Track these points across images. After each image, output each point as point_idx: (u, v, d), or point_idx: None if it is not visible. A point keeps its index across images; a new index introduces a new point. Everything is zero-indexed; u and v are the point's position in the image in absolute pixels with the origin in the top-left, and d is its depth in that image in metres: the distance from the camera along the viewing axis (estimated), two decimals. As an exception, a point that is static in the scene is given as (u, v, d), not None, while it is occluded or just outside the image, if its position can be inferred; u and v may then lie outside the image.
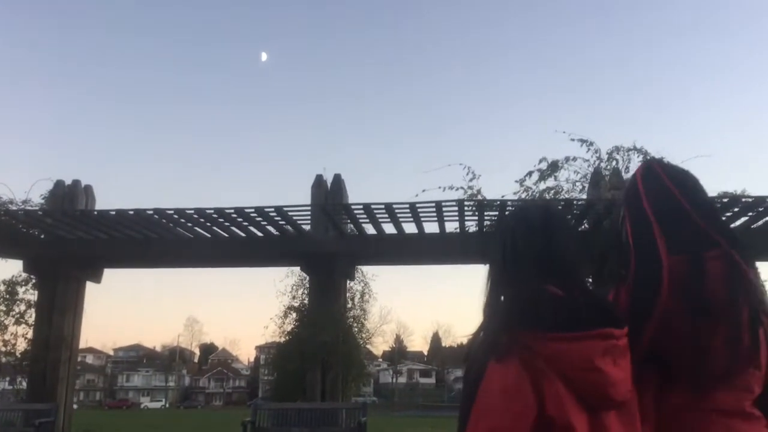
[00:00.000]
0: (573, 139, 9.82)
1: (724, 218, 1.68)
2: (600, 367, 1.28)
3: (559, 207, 8.81)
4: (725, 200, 8.61)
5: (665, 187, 1.67)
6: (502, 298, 1.44)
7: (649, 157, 9.41)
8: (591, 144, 9.79)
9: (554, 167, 9.66)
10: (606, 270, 8.38)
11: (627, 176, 9.57)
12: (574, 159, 9.73)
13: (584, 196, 9.52)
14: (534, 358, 1.27)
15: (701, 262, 1.53)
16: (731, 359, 1.48)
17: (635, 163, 9.61)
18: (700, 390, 1.48)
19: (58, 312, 10.74)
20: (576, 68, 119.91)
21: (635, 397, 1.38)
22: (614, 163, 9.73)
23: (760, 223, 9.25)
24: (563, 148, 11.42)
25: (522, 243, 1.48)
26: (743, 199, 8.59)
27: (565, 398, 1.26)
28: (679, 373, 1.49)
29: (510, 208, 8.85)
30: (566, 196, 9.57)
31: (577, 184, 9.75)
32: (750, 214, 8.92)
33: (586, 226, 9.42)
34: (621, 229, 1.74)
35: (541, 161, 9.68)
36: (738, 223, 9.17)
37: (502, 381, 1.26)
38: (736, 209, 8.75)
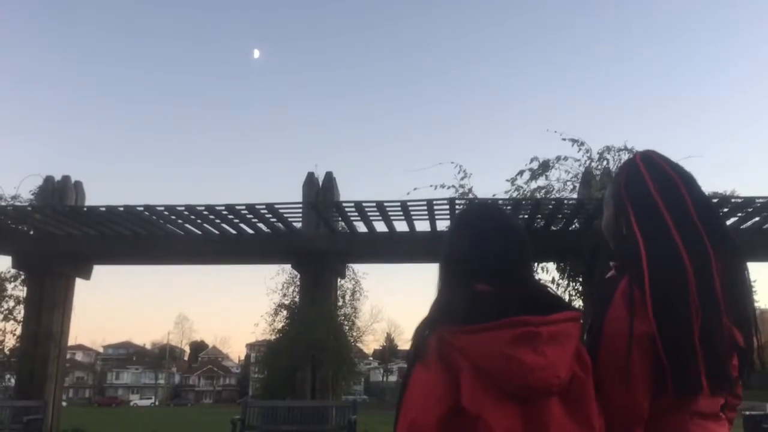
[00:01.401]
0: (564, 139, 9.88)
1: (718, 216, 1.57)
2: (510, 355, 1.27)
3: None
4: (715, 201, 8.66)
5: (670, 177, 1.62)
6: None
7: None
8: (582, 144, 9.85)
9: (545, 167, 9.70)
10: (597, 268, 8.42)
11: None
12: (566, 158, 9.78)
13: (575, 196, 9.55)
14: (450, 352, 1.32)
15: (710, 264, 1.49)
16: (734, 365, 1.48)
17: (626, 163, 9.65)
18: (698, 393, 1.45)
19: (47, 308, 10.69)
20: (568, 68, 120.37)
21: (589, 385, 1.35)
22: (605, 163, 9.79)
23: (749, 223, 9.31)
24: (555, 147, 11.49)
25: (449, 244, 1.54)
26: (732, 200, 8.64)
27: (477, 389, 1.27)
28: (685, 375, 1.44)
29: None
30: (557, 195, 9.61)
31: (568, 183, 9.80)
32: (739, 214, 8.98)
33: (577, 225, 9.46)
34: (616, 220, 1.67)
35: (532, 160, 9.72)
36: (727, 223, 9.23)
37: (421, 377, 1.33)
38: (725, 210, 8.80)
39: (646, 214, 1.58)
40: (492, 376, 1.28)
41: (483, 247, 1.47)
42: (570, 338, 1.34)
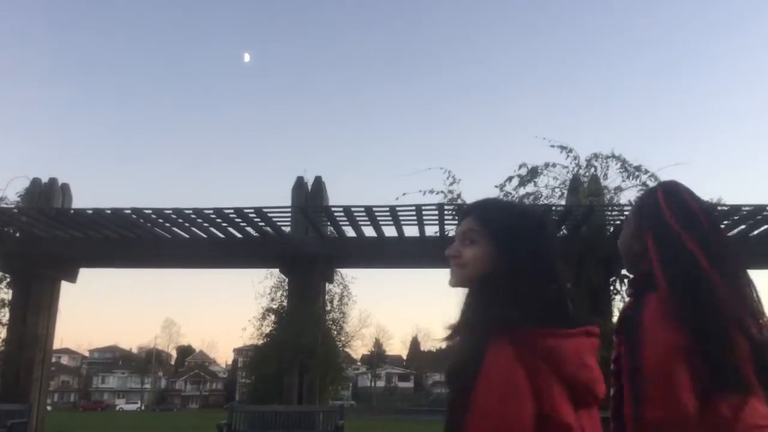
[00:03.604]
0: (553, 146, 9.93)
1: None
2: (589, 364, 1.30)
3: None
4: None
5: (686, 202, 1.77)
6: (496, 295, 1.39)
7: (627, 165, 9.53)
8: (570, 151, 9.90)
9: (534, 173, 9.75)
10: (583, 275, 8.46)
11: (605, 183, 9.68)
12: (554, 165, 9.83)
13: (563, 202, 9.60)
14: (533, 355, 1.25)
15: (736, 276, 1.65)
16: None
17: (613, 170, 9.73)
18: (737, 401, 1.52)
19: (33, 311, 10.60)
20: (556, 75, 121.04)
21: None
22: (593, 170, 9.84)
23: (735, 231, 9.38)
24: (543, 154, 11.54)
25: (534, 241, 1.45)
26: (719, 207, 8.71)
27: (559, 396, 1.25)
28: (726, 374, 1.52)
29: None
30: (545, 201, 9.65)
31: (556, 190, 9.84)
32: (725, 222, 9.05)
33: (565, 232, 9.50)
34: (636, 236, 1.79)
35: (521, 167, 9.77)
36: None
37: (501, 379, 1.22)
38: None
39: (665, 240, 1.72)
40: (570, 383, 1.27)
41: (555, 248, 1.47)
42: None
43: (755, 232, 9.44)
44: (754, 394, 1.54)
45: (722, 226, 1.84)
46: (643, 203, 1.85)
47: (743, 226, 9.26)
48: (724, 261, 1.64)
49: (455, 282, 1.45)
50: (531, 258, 1.40)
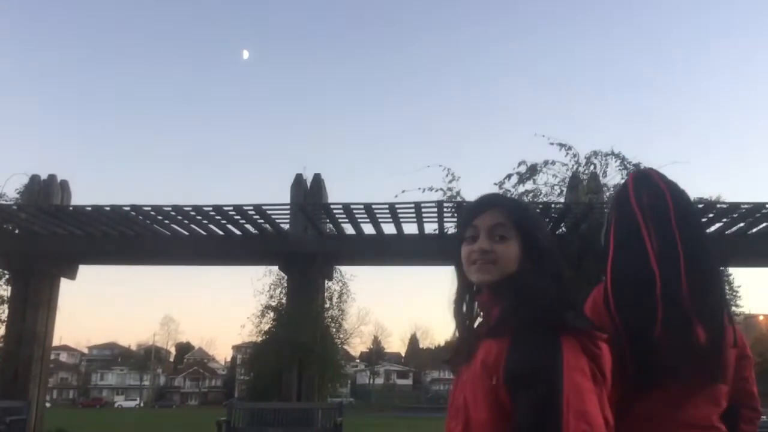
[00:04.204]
0: (552, 143, 9.92)
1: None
2: (611, 368, 1.31)
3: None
4: (700, 206, 8.74)
5: (658, 190, 1.71)
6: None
7: (627, 163, 9.54)
8: (569, 148, 9.90)
9: (533, 170, 9.75)
10: (582, 273, 8.45)
11: (605, 180, 9.68)
12: (553, 163, 9.83)
13: (562, 200, 9.60)
14: (595, 358, 1.27)
15: (679, 269, 1.58)
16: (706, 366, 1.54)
17: (612, 167, 9.73)
18: (672, 397, 1.52)
19: (32, 308, 10.60)
20: (556, 72, 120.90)
21: None
22: (592, 167, 9.85)
23: (734, 229, 9.39)
24: (542, 151, 11.52)
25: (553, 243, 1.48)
26: (718, 205, 8.72)
27: (606, 398, 1.27)
28: (657, 379, 1.52)
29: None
30: (544, 199, 9.65)
31: (556, 187, 9.84)
32: (725, 220, 9.06)
33: (564, 229, 9.50)
34: (606, 232, 1.76)
35: (520, 164, 9.76)
36: (712, 229, 9.31)
37: (581, 382, 1.22)
38: (710, 215, 8.88)
39: (624, 224, 1.68)
40: (606, 385, 1.29)
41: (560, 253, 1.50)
42: None
43: (754, 230, 9.45)
44: (702, 394, 1.54)
45: (695, 213, 1.77)
46: (616, 192, 1.84)
47: (742, 224, 9.27)
48: (685, 252, 1.59)
49: (485, 279, 1.42)
50: (553, 257, 1.43)
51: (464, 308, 1.51)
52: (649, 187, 1.71)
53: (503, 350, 1.28)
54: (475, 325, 1.49)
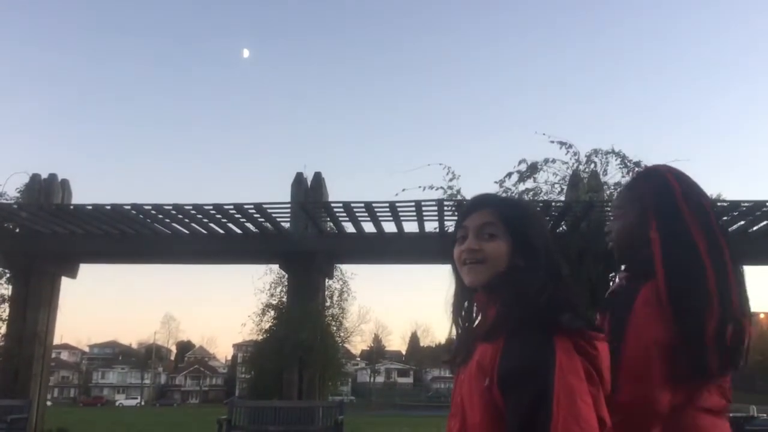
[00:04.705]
0: (552, 141, 9.92)
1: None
2: (608, 367, 1.32)
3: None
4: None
5: (695, 187, 1.76)
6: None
7: (627, 161, 9.53)
8: (570, 146, 9.90)
9: (533, 169, 9.75)
10: (582, 271, 8.46)
11: (605, 179, 9.68)
12: (553, 161, 9.83)
13: (563, 198, 9.60)
14: (591, 359, 1.27)
15: (727, 267, 1.63)
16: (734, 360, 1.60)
17: (613, 165, 9.73)
18: (694, 385, 1.58)
19: (33, 307, 10.60)
20: (557, 70, 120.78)
21: None
22: (592, 165, 9.84)
23: (735, 227, 9.39)
24: (543, 149, 11.52)
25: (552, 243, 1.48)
26: (719, 203, 8.73)
27: (602, 399, 1.27)
28: (706, 371, 1.56)
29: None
30: (545, 197, 9.65)
31: (556, 186, 9.84)
32: (725, 218, 9.05)
33: (564, 227, 9.50)
34: (640, 226, 1.73)
35: (520, 163, 9.76)
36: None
37: (578, 384, 1.22)
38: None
39: (670, 219, 1.68)
40: (604, 385, 1.29)
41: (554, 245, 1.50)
42: None
43: (755, 228, 9.45)
44: (717, 382, 1.61)
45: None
46: (647, 189, 1.77)
47: (743, 222, 9.27)
48: (723, 253, 1.63)
49: (476, 279, 1.41)
50: (547, 255, 1.42)
51: (461, 309, 1.51)
52: (690, 185, 1.74)
53: (497, 351, 1.28)
54: (474, 325, 1.49)
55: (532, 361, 1.23)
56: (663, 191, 1.73)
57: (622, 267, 1.81)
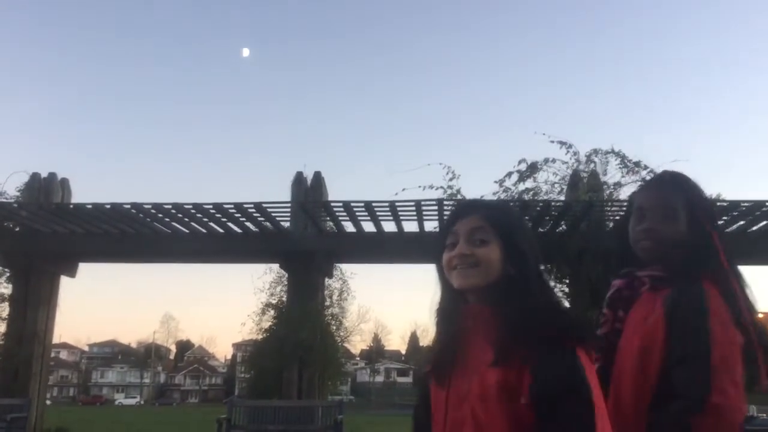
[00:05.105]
0: (552, 141, 9.94)
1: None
2: None
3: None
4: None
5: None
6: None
7: (627, 161, 9.54)
8: (570, 146, 9.90)
9: (533, 169, 9.76)
10: (582, 271, 8.47)
11: (605, 179, 9.68)
12: (553, 161, 9.84)
13: (562, 198, 9.60)
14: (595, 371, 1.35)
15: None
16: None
17: (613, 165, 9.73)
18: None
19: (32, 306, 10.59)
20: (556, 70, 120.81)
21: None
22: (592, 165, 9.85)
23: (734, 227, 9.39)
24: (543, 149, 11.53)
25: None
26: (718, 203, 8.72)
27: None
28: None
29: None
30: (545, 197, 9.65)
31: (556, 185, 9.85)
32: (725, 218, 9.06)
33: (564, 227, 9.50)
34: (700, 225, 1.73)
35: (520, 162, 9.78)
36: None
37: (599, 395, 1.29)
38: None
39: (714, 224, 1.80)
40: None
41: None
42: None
43: (754, 228, 9.45)
44: None
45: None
46: (694, 193, 1.78)
47: (743, 222, 9.27)
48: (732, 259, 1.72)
49: (468, 282, 1.40)
50: (537, 261, 1.44)
51: (448, 315, 1.49)
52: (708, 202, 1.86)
53: (526, 370, 1.29)
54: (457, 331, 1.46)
55: (573, 380, 1.26)
56: (705, 196, 1.81)
57: (647, 267, 1.77)
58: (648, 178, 9.17)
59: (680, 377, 1.53)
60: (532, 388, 1.26)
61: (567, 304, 8.96)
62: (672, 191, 1.76)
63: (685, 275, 1.66)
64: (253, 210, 9.38)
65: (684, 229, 1.72)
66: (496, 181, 9.73)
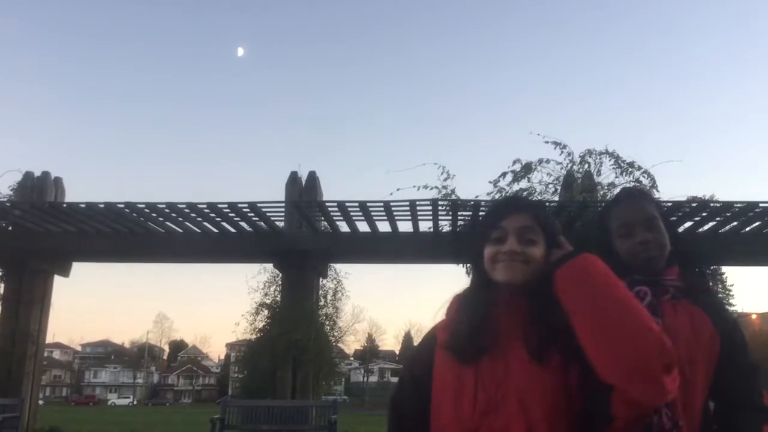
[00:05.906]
0: (547, 142, 9.94)
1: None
2: None
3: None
4: (694, 205, 8.78)
5: None
6: None
7: (621, 161, 9.56)
8: (564, 147, 9.91)
9: (528, 169, 9.76)
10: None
11: (599, 179, 9.70)
12: (548, 161, 9.84)
13: (557, 198, 9.61)
14: None
15: None
16: None
17: (607, 166, 9.75)
18: None
19: (25, 305, 10.57)
20: (551, 70, 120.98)
21: None
22: (586, 166, 9.86)
23: (727, 227, 9.42)
24: (537, 150, 11.55)
25: None
26: (711, 204, 8.75)
27: None
28: None
29: (484, 209, 8.90)
30: (539, 197, 9.66)
31: (550, 186, 9.86)
32: (718, 218, 9.09)
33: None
34: (672, 230, 1.93)
35: (514, 163, 9.78)
36: (706, 227, 9.34)
37: None
38: (704, 214, 8.91)
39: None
40: None
41: None
42: None
43: (747, 229, 9.48)
44: None
45: None
46: (660, 205, 1.99)
47: (735, 223, 9.29)
48: None
49: (515, 276, 1.46)
50: None
51: (481, 303, 1.52)
52: None
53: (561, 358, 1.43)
54: (489, 319, 1.49)
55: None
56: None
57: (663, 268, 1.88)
58: (642, 178, 9.21)
59: (743, 388, 1.72)
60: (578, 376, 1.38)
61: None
62: (648, 203, 1.91)
63: (699, 286, 1.85)
64: (248, 210, 9.36)
65: (666, 234, 1.87)
66: (490, 182, 9.74)
